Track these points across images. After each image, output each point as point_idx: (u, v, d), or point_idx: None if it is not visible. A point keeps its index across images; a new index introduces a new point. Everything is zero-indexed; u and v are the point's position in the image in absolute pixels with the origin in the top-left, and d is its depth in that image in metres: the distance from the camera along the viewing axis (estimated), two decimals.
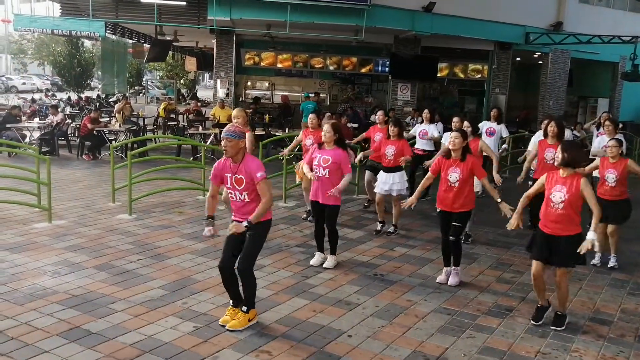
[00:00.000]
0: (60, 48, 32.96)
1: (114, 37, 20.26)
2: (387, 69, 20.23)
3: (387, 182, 7.96)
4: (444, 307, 5.58)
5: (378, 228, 8.17)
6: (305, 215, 8.85)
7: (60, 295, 5.39)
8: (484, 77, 20.77)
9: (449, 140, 6.07)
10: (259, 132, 16.31)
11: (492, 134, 10.32)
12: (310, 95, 18.38)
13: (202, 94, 35.96)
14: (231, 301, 5.03)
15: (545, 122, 8.16)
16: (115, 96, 24.35)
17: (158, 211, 8.88)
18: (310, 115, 8.52)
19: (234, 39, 17.79)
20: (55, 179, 9.52)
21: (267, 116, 17.12)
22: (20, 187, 8.64)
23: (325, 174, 6.35)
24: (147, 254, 6.74)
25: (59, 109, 16.37)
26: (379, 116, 9.28)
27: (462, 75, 20.69)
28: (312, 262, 6.65)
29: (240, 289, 4.96)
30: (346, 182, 6.36)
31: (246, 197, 4.83)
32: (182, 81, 38.83)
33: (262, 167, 4.82)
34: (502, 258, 7.34)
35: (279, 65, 20.88)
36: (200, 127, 14.60)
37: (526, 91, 21.68)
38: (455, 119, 7.87)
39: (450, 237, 6.00)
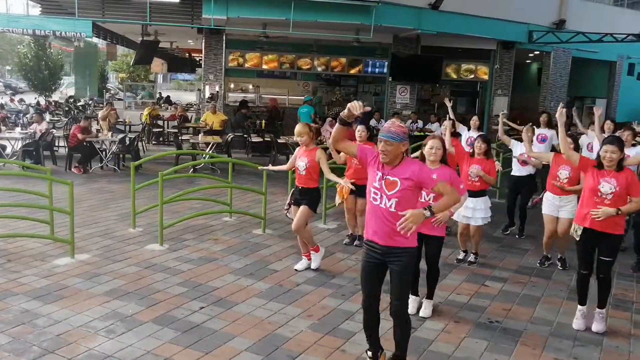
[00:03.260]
0: (26, 50, 30.47)
1: (97, 38, 18.70)
2: (377, 69, 19.37)
3: (469, 208, 6.69)
4: None
5: (460, 257, 7.17)
6: (347, 240, 7.80)
7: None
8: (477, 77, 20.13)
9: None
10: (256, 138, 15.23)
11: (543, 140, 9.51)
12: (310, 99, 17.25)
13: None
14: (369, 353, 4.18)
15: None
16: (83, 100, 22.73)
17: (190, 239, 7.68)
18: (359, 127, 7.43)
19: (224, 39, 16.54)
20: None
21: (263, 122, 15.99)
22: (30, 215, 7.36)
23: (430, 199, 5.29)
24: (207, 300, 5.59)
25: (43, 116, 14.76)
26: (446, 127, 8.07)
27: (454, 76, 19.96)
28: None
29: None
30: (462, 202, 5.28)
31: (394, 205, 3.81)
32: (143, 83, 37.18)
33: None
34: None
35: (265, 67, 19.71)
36: (200, 135, 13.34)
37: (524, 92, 21.12)
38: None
39: (600, 275, 5.07)
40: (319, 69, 19.67)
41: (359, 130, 7.25)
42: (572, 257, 7.32)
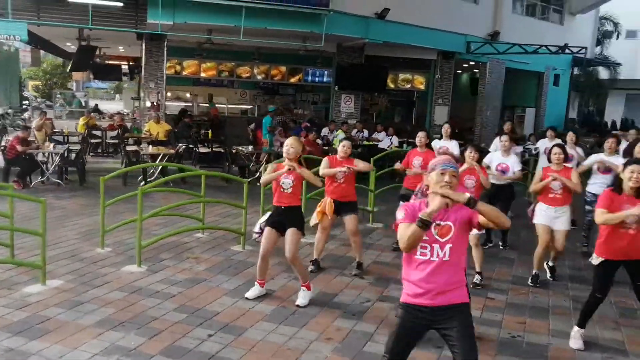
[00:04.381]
0: None
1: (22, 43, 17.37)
2: (317, 78, 19.30)
3: None
4: None
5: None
6: (312, 267, 6.85)
7: None
8: (414, 87, 20.48)
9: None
10: (203, 149, 14.68)
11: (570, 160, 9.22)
12: (274, 109, 16.82)
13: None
14: None
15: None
16: (1, 109, 21.14)
17: (167, 258, 7.13)
18: (345, 143, 7.09)
19: (165, 45, 15.85)
20: None
21: (209, 131, 15.42)
22: None
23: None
24: (213, 326, 5.15)
25: None
26: (420, 138, 7.96)
27: (392, 85, 20.14)
28: None
29: None
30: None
31: (447, 254, 3.30)
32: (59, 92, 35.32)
33: None
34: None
35: (203, 75, 19.13)
36: (150, 147, 12.65)
37: (457, 101, 21.64)
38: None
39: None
40: (259, 77, 19.35)
41: (344, 145, 6.92)
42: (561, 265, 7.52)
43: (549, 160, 6.89)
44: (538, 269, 6.77)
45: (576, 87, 27.61)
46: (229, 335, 4.97)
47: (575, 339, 5.06)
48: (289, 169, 5.70)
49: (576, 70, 26.60)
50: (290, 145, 5.76)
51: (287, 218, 5.75)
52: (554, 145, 6.88)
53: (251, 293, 5.90)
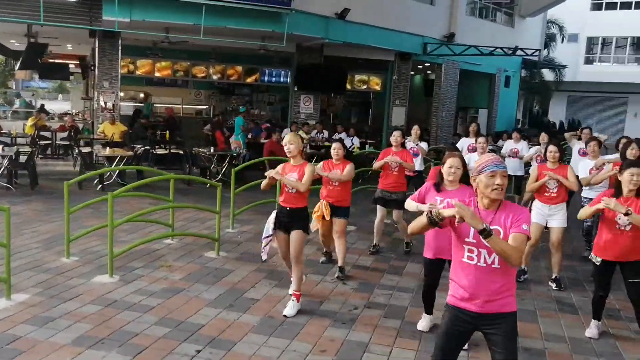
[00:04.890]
0: None
1: None
2: (274, 78, 19.08)
3: None
4: None
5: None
6: (324, 259, 7.33)
7: None
8: (370, 88, 20.51)
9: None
10: (160, 150, 14.24)
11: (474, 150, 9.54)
12: (244, 110, 16.50)
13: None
14: None
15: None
16: None
17: (139, 267, 6.77)
18: (335, 145, 6.89)
19: (120, 43, 15.25)
20: None
21: (167, 132, 14.95)
22: None
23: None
24: (199, 341, 4.86)
25: None
26: (396, 137, 7.80)
27: (349, 86, 20.08)
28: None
29: None
30: None
31: (497, 261, 3.18)
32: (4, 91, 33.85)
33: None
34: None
35: (157, 74, 18.57)
36: (107, 148, 12.12)
37: (412, 103, 21.79)
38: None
39: (632, 299, 5.03)
40: (215, 77, 18.94)
41: (335, 148, 6.78)
42: (537, 266, 7.43)
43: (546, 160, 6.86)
44: (526, 265, 6.88)
45: (524, 89, 28.25)
46: (219, 351, 4.71)
47: (591, 328, 5.34)
48: (280, 173, 5.54)
49: (523, 72, 27.24)
50: (289, 142, 5.55)
51: (292, 219, 5.60)
52: (549, 144, 6.93)
53: (291, 311, 5.54)
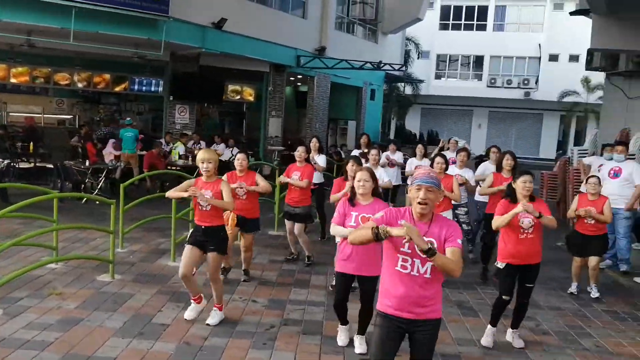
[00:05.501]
0: None
1: None
2: (145, 87, 18.30)
3: None
4: None
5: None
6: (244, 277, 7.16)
7: None
8: (243, 99, 20.40)
9: None
10: (24, 164, 13.08)
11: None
12: (131, 122, 15.35)
13: None
14: None
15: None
16: None
17: (23, 297, 6.10)
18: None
19: None
20: None
21: (30, 144, 13.76)
22: None
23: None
24: None
25: None
26: (300, 153, 7.78)
27: (222, 97, 19.80)
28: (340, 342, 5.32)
29: None
30: None
31: (429, 271, 3.37)
32: None
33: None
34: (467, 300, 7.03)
35: (13, 80, 17.00)
36: None
37: (290, 114, 21.98)
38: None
39: (524, 300, 5.43)
40: (80, 85, 17.74)
41: (239, 159, 6.67)
42: None
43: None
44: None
45: (386, 102, 29.63)
46: None
47: (487, 336, 5.49)
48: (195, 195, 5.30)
49: (385, 86, 28.62)
50: (207, 160, 5.34)
51: (208, 238, 5.38)
52: (505, 152, 7.53)
53: (190, 313, 5.57)
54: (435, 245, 3.33)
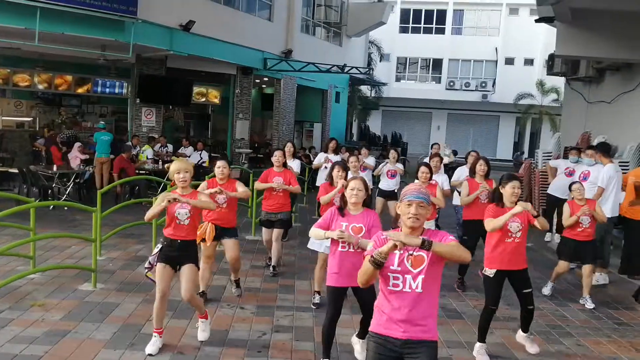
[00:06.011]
0: None
1: None
2: (108, 89, 17.98)
3: None
4: None
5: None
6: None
7: None
8: (209, 101, 20.26)
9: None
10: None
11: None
12: (104, 126, 14.90)
13: None
14: None
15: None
16: None
17: (4, 310, 5.94)
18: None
19: None
20: None
21: None
22: None
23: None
24: None
25: None
26: (277, 157, 7.65)
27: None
28: None
29: None
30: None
31: (420, 285, 3.27)
32: None
33: None
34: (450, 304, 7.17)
35: None
36: None
37: (255, 117, 21.93)
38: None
39: (529, 307, 5.46)
40: (41, 86, 17.28)
41: (220, 167, 6.51)
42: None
43: None
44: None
45: (351, 104, 29.85)
46: None
47: (481, 354, 5.35)
48: (174, 199, 5.07)
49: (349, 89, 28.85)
50: (184, 170, 5.13)
51: (183, 253, 5.12)
52: (479, 158, 7.61)
53: (152, 348, 5.09)
54: (427, 259, 3.27)
